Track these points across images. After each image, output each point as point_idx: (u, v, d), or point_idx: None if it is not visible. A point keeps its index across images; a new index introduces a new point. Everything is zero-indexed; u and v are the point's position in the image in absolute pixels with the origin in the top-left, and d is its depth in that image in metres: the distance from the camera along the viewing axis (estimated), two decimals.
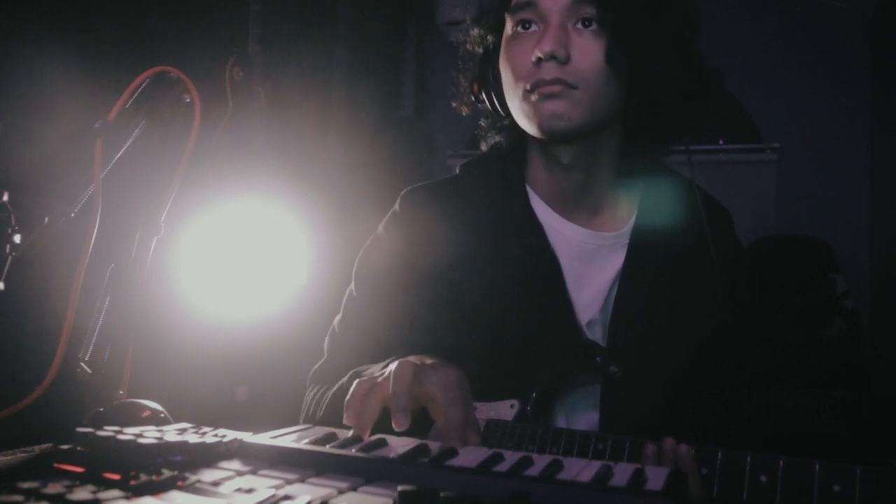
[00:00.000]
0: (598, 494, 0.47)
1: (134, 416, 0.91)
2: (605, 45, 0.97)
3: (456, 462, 0.55)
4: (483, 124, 1.18)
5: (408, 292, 1.09)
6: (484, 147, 1.20)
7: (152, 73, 1.08)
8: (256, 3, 2.53)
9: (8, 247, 0.99)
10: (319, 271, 2.11)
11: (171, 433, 0.57)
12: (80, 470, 0.50)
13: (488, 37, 1.11)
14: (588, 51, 0.98)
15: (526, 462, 0.55)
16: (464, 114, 1.18)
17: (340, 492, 0.48)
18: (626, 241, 1.11)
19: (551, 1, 0.99)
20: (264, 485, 0.49)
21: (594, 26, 0.98)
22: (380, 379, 0.73)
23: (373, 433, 0.68)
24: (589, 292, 1.09)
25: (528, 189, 1.13)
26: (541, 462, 0.55)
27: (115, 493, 0.44)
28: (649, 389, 1.04)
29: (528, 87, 0.99)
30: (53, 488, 0.43)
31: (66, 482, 0.45)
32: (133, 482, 0.46)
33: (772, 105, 3.59)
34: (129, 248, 1.06)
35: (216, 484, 0.48)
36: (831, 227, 3.33)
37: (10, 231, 1.00)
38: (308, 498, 0.45)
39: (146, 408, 0.93)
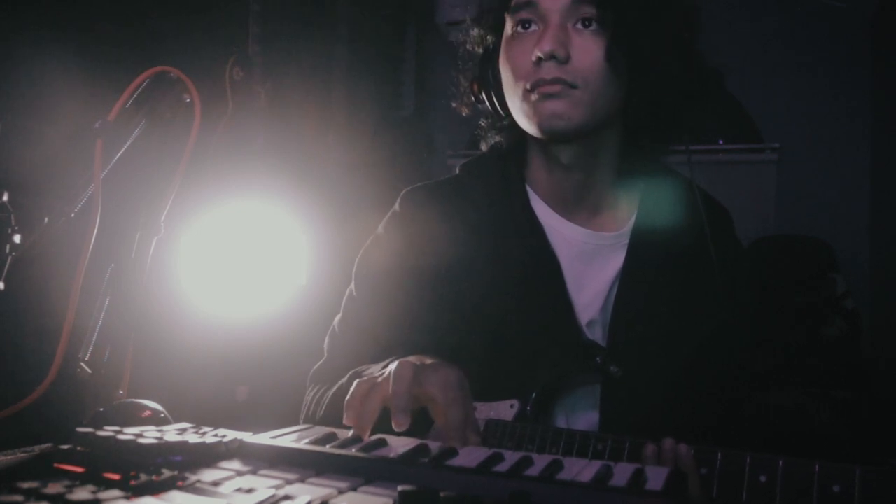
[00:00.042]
0: (598, 494, 0.47)
1: (134, 416, 0.91)
2: (604, 45, 0.97)
3: (456, 462, 0.55)
4: (483, 124, 1.18)
5: (408, 292, 1.09)
6: (484, 147, 1.20)
7: (152, 73, 1.08)
8: (256, 3, 2.53)
9: (8, 247, 0.99)
10: (319, 271, 2.11)
11: (171, 433, 0.57)
12: (80, 470, 0.50)
13: (488, 37, 1.11)
14: (588, 50, 0.98)
15: (526, 462, 0.55)
16: (464, 114, 1.18)
17: (340, 492, 0.48)
18: (626, 241, 1.11)
19: (551, 1, 0.99)
20: (264, 485, 0.49)
21: (594, 26, 0.98)
22: (380, 379, 0.73)
23: (373, 433, 0.68)
24: (589, 292, 1.09)
25: (528, 189, 1.13)
26: (541, 462, 0.55)
27: (115, 493, 0.44)
28: (649, 389, 1.04)
29: (527, 86, 0.99)
30: (53, 488, 0.43)
31: (66, 482, 0.45)
32: (133, 482, 0.46)
33: (772, 105, 3.59)
34: (129, 248, 1.06)
35: (216, 484, 0.48)
36: (831, 227, 3.33)
37: (10, 231, 1.00)
38: (308, 498, 0.45)
39: (146, 408, 0.93)
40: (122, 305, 1.05)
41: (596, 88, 0.98)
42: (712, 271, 1.07)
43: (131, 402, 0.94)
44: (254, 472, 0.52)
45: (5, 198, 1.00)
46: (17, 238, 1.00)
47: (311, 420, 1.04)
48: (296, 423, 0.70)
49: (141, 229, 1.07)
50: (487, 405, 1.04)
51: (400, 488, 0.45)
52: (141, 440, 0.53)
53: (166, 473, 0.48)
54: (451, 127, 3.63)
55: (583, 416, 1.07)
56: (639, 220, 1.12)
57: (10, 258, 0.99)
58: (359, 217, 1.76)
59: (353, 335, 1.12)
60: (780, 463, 0.79)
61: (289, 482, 0.50)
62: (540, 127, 1.00)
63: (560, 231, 1.11)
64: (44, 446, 0.72)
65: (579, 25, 0.99)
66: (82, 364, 1.01)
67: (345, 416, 0.71)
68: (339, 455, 0.55)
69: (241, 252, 1.62)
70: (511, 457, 0.56)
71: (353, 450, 0.57)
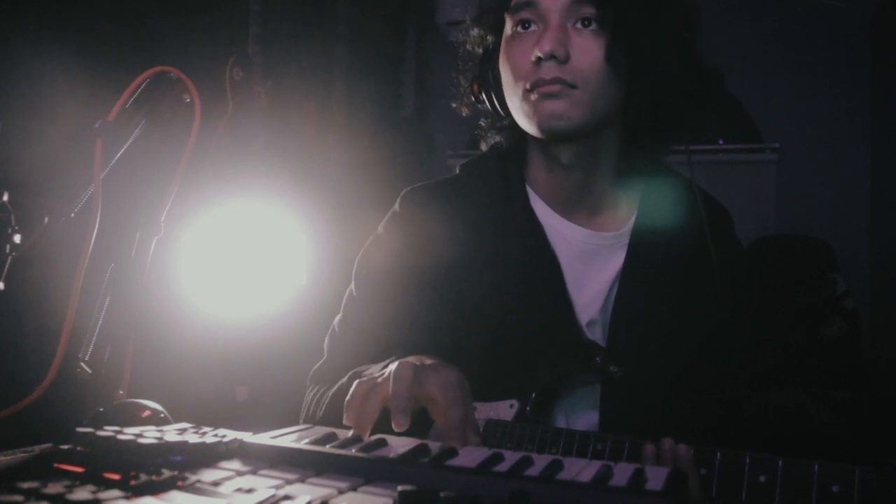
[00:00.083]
0: (598, 494, 0.47)
1: (134, 416, 0.91)
2: (604, 45, 0.97)
3: (456, 462, 0.55)
4: (483, 124, 1.18)
5: (408, 292, 1.10)
6: (484, 147, 1.20)
7: (152, 73, 1.08)
8: (256, 3, 2.53)
9: (8, 247, 0.99)
10: (319, 271, 2.11)
11: (171, 433, 0.57)
12: (80, 470, 0.50)
13: (488, 37, 1.11)
14: (588, 50, 0.98)
15: (526, 462, 0.55)
16: (464, 114, 1.18)
17: (340, 492, 0.48)
18: (626, 241, 1.11)
19: (551, 1, 0.99)
20: (264, 485, 0.49)
21: (594, 26, 0.98)
22: (380, 379, 0.73)
23: (373, 433, 0.68)
24: (589, 292, 1.09)
25: (528, 189, 1.13)
26: (541, 462, 0.55)
27: (115, 493, 0.44)
28: (649, 389, 1.04)
29: (527, 86, 0.99)
30: (53, 488, 0.43)
31: (66, 482, 0.45)
32: (133, 482, 0.46)
33: (772, 105, 3.59)
34: (129, 248, 1.06)
35: (216, 484, 0.48)
36: (831, 227, 3.33)
37: (10, 231, 1.00)
38: (308, 498, 0.45)
39: (146, 408, 0.93)
40: (122, 305, 1.05)
41: (596, 88, 0.98)
42: (712, 271, 1.07)
43: (131, 402, 0.94)
44: (254, 472, 0.52)
45: (5, 198, 1.00)
46: (17, 238, 1.00)
47: (311, 420, 1.04)
48: (296, 423, 0.70)
49: (141, 229, 1.07)
50: (487, 405, 1.04)
51: (400, 488, 0.45)
52: (141, 440, 0.53)
53: (166, 473, 0.48)
54: (451, 127, 3.63)
55: (582, 416, 1.07)
56: (639, 220, 1.12)
57: (10, 258, 0.99)
58: (359, 217, 1.77)
59: (353, 335, 1.12)
60: (780, 463, 0.79)
61: (289, 482, 0.50)
62: (540, 127, 1.00)
63: (560, 231, 1.11)
64: (44, 446, 0.72)
65: (579, 25, 0.99)
66: (82, 364, 1.01)
67: (345, 417, 0.71)
68: (339, 455, 0.55)
69: (241, 252, 1.62)
70: (511, 457, 0.56)
71: (353, 450, 0.57)
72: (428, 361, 0.79)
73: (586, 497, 0.47)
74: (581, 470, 0.53)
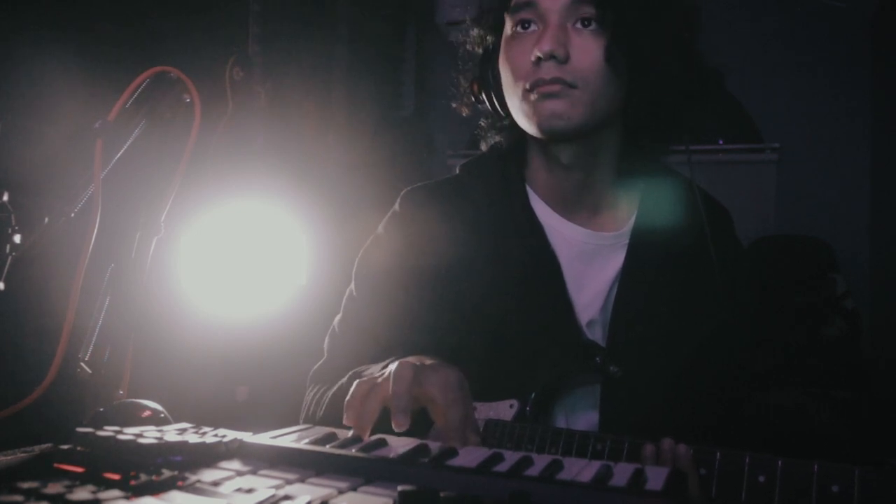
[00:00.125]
0: (598, 494, 0.47)
1: (134, 416, 0.91)
2: (604, 45, 0.97)
3: (456, 462, 0.55)
4: (483, 124, 1.18)
5: (408, 292, 1.10)
6: (484, 147, 1.20)
7: (152, 73, 1.08)
8: (256, 3, 2.53)
9: (8, 247, 0.99)
10: (319, 271, 2.11)
11: (171, 433, 0.57)
12: (80, 470, 0.50)
13: (488, 37, 1.11)
14: (587, 50, 0.98)
15: (526, 462, 0.55)
16: (464, 114, 1.18)
17: (340, 492, 0.48)
18: (626, 240, 1.11)
19: (550, 1, 0.99)
20: (264, 485, 0.49)
21: (593, 26, 0.98)
22: (380, 379, 0.73)
23: (373, 433, 0.68)
24: (589, 292, 1.09)
25: (528, 189, 1.13)
26: (541, 462, 0.55)
27: (115, 493, 0.44)
28: (649, 389, 1.04)
29: (527, 86, 0.99)
30: (53, 488, 0.43)
31: (66, 482, 0.45)
32: (133, 482, 0.46)
33: (772, 105, 3.59)
34: (129, 248, 1.06)
35: (216, 484, 0.48)
36: (831, 227, 3.33)
37: (10, 231, 1.00)
38: (308, 498, 0.45)
39: (146, 408, 0.93)
40: (122, 305, 1.05)
41: (595, 88, 0.98)
42: (712, 271, 1.07)
43: (131, 402, 0.94)
44: (254, 472, 0.52)
45: (5, 198, 1.00)
46: (17, 238, 1.00)
47: (311, 420, 1.04)
48: (296, 423, 0.70)
49: (141, 229, 1.07)
50: (487, 405, 1.04)
51: (400, 488, 0.45)
52: (141, 440, 0.53)
53: (166, 473, 0.48)
54: (451, 127, 3.63)
55: (582, 416, 1.07)
56: (639, 220, 1.12)
57: (10, 258, 0.99)
58: (359, 217, 1.77)
59: (353, 335, 1.12)
60: (779, 463, 0.79)
61: (289, 482, 0.50)
62: (539, 127, 1.00)
63: (560, 231, 1.11)
64: (44, 446, 0.72)
65: (579, 25, 0.99)
66: (82, 364, 1.01)
67: (345, 417, 0.71)
68: (339, 455, 0.55)
69: (241, 252, 1.62)
70: (511, 457, 0.56)
71: (353, 450, 0.57)
72: (428, 361, 0.79)
73: (586, 497, 0.47)
74: (581, 470, 0.53)
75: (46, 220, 1.01)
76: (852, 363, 2.92)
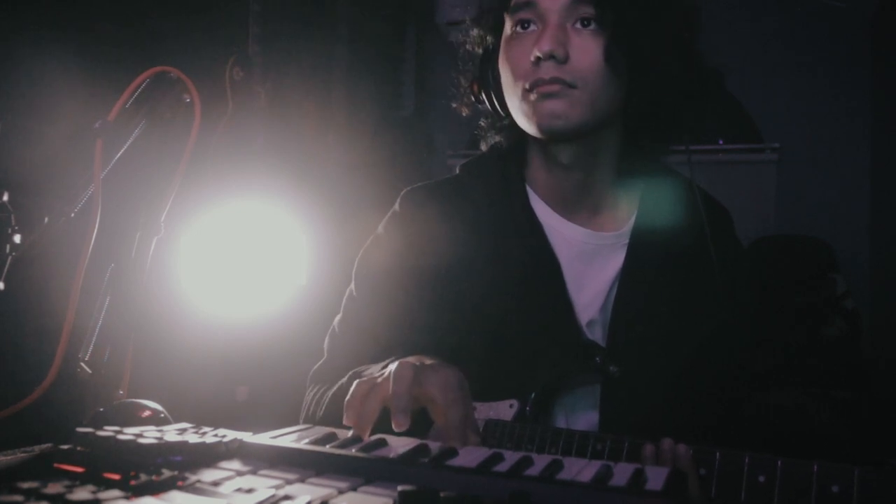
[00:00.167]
0: (598, 494, 0.47)
1: (134, 416, 0.91)
2: (603, 45, 0.97)
3: (456, 462, 0.55)
4: (483, 124, 1.18)
5: (408, 292, 1.10)
6: (484, 147, 1.20)
7: (152, 73, 1.08)
8: (256, 3, 2.53)
9: (8, 247, 0.99)
10: (319, 271, 2.11)
11: (171, 433, 0.57)
12: (80, 470, 0.50)
13: (488, 37, 1.11)
14: (587, 50, 0.98)
15: (526, 462, 0.55)
16: (464, 114, 1.18)
17: (340, 492, 0.48)
18: (626, 240, 1.11)
19: (550, 1, 0.99)
20: (264, 485, 0.49)
21: (593, 26, 0.98)
22: (380, 379, 0.73)
23: (373, 433, 0.68)
24: (589, 292, 1.09)
25: (528, 189, 1.13)
26: (541, 462, 0.55)
27: (115, 493, 0.44)
28: (649, 389, 1.04)
29: (526, 86, 0.99)
30: (53, 488, 0.43)
31: (66, 482, 0.45)
32: (133, 482, 0.46)
33: (772, 105, 3.59)
34: (129, 248, 1.06)
35: (216, 484, 0.48)
36: (831, 227, 3.33)
37: (10, 231, 1.00)
38: (308, 498, 0.45)
39: (146, 408, 0.93)
40: (122, 305, 1.05)
41: (595, 88, 0.98)
42: (712, 271, 1.07)
43: (131, 402, 0.94)
44: (254, 472, 0.52)
45: (5, 198, 1.00)
46: (17, 238, 1.00)
47: (311, 420, 1.04)
48: (296, 423, 0.70)
49: (141, 229, 1.07)
50: (487, 405, 1.04)
51: (400, 488, 0.45)
52: (141, 440, 0.53)
53: (166, 473, 0.48)
54: (451, 127, 3.63)
55: (582, 416, 1.07)
56: (639, 219, 1.12)
57: (10, 258, 0.99)
58: (359, 217, 1.77)
59: (353, 335, 1.12)
60: (779, 463, 0.79)
61: (289, 482, 0.50)
62: (539, 127, 1.00)
63: (560, 231, 1.11)
64: (44, 446, 0.72)
65: (578, 25, 0.99)
66: (82, 364, 1.01)
67: (345, 417, 0.71)
68: (339, 455, 0.55)
69: (241, 252, 1.62)
70: (511, 457, 0.56)
71: (353, 450, 0.57)
72: (428, 361, 0.79)
73: (586, 497, 0.47)
74: (581, 470, 0.53)
75: (46, 220, 1.01)
76: (852, 363, 2.92)
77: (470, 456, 0.56)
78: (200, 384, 2.06)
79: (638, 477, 0.51)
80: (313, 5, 2.98)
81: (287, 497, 0.45)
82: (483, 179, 1.16)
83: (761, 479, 0.79)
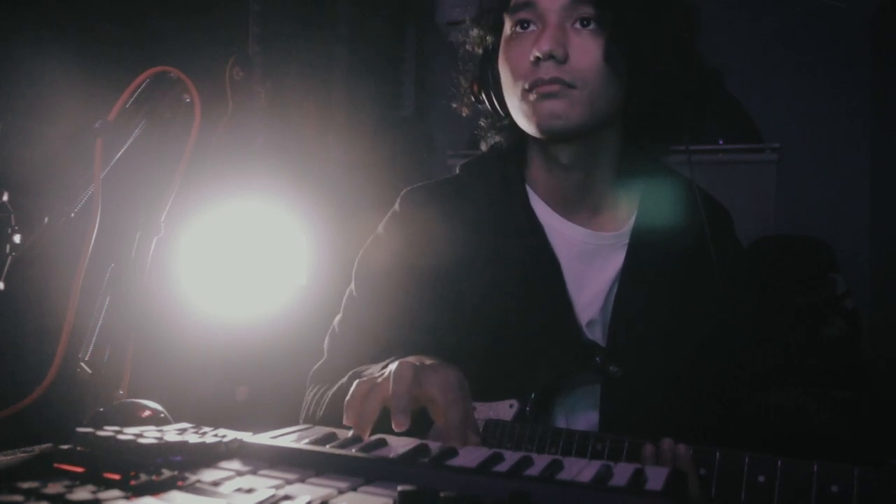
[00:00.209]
0: (598, 494, 0.47)
1: (134, 416, 0.91)
2: (603, 45, 0.97)
3: (456, 462, 0.55)
4: (483, 124, 1.18)
5: (408, 292, 1.10)
6: (484, 147, 1.20)
7: (152, 73, 1.08)
8: (256, 3, 2.53)
9: (8, 247, 0.99)
10: (319, 271, 2.11)
11: (171, 433, 0.57)
12: (80, 470, 0.50)
13: (487, 37, 1.11)
14: (586, 50, 0.98)
15: (526, 462, 0.55)
16: (464, 114, 1.19)
17: (340, 492, 0.48)
18: (626, 240, 1.11)
19: (549, 1, 0.99)
20: (264, 485, 0.49)
21: (593, 26, 0.98)
22: (380, 379, 0.73)
23: (373, 433, 0.68)
24: (589, 292, 1.09)
25: (528, 189, 1.14)
26: (541, 462, 0.55)
27: (115, 493, 0.44)
28: (649, 389, 1.04)
29: (526, 86, 0.99)
30: (53, 488, 0.43)
31: (66, 482, 0.45)
32: (133, 482, 0.46)
33: (772, 105, 3.59)
34: (129, 248, 1.06)
35: (216, 484, 0.48)
36: (831, 227, 3.33)
37: (10, 231, 1.00)
38: (308, 498, 0.45)
39: (146, 408, 0.93)
40: (122, 305, 1.05)
41: (595, 88, 0.98)
42: (712, 271, 1.07)
43: (131, 402, 0.94)
44: (254, 472, 0.52)
45: (5, 198, 1.00)
46: (17, 238, 1.00)
47: (311, 420, 1.04)
48: (296, 423, 0.70)
49: (141, 229, 1.07)
50: (487, 405, 1.04)
51: (400, 488, 0.45)
52: (141, 440, 0.53)
53: (166, 473, 0.48)
54: (451, 127, 3.63)
55: (582, 416, 1.07)
56: (639, 219, 1.12)
57: (10, 258, 0.99)
58: (359, 217, 1.77)
59: (353, 335, 1.12)
60: (779, 463, 0.79)
61: (289, 482, 0.50)
62: (539, 127, 1.00)
63: (560, 231, 1.11)
64: (44, 446, 0.72)
65: (578, 25, 0.99)
66: (82, 364, 1.01)
67: (345, 417, 0.71)
68: (339, 455, 0.55)
69: (241, 252, 1.62)
70: (511, 457, 0.56)
71: (353, 450, 0.57)
72: (428, 361, 0.79)
73: (586, 497, 0.47)
74: (581, 470, 0.53)
75: (46, 220, 1.01)
76: (852, 363, 2.92)
77: (470, 456, 0.56)
78: (200, 384, 2.06)
79: (638, 477, 0.51)
80: (313, 5, 2.98)
81: (287, 497, 0.45)
82: (483, 179, 1.16)
83: (761, 479, 0.79)
